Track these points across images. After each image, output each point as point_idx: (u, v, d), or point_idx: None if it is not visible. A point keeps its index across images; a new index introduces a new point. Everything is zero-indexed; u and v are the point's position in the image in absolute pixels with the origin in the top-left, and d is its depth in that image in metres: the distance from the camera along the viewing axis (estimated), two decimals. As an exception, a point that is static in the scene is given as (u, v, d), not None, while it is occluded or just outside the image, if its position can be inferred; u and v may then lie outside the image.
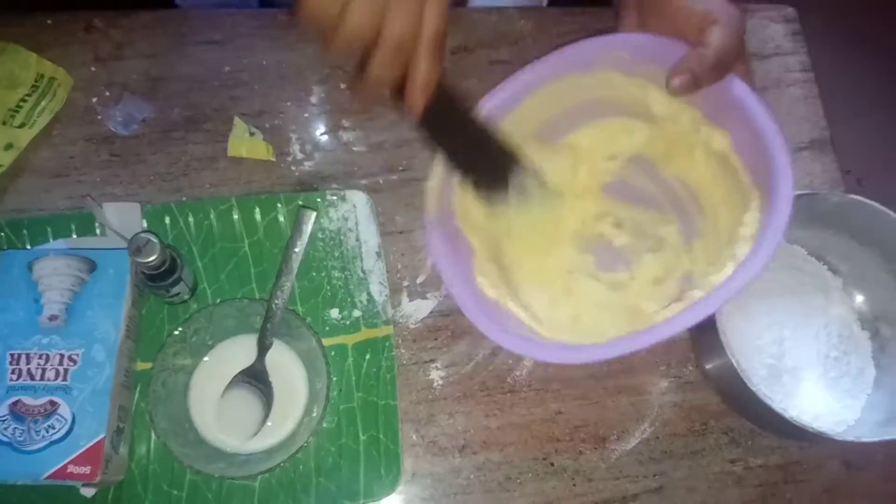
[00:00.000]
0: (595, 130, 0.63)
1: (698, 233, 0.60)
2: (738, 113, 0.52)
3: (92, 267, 0.63)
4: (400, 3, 0.45)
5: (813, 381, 0.66)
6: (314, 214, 0.66)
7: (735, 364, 0.58)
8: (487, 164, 0.56)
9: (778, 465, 0.67)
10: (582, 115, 0.62)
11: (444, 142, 0.54)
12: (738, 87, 0.52)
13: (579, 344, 0.54)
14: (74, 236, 0.68)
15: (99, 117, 0.74)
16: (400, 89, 0.49)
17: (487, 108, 0.58)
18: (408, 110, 0.49)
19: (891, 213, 0.64)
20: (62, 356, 0.61)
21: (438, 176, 0.58)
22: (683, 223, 0.62)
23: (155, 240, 0.59)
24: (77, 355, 0.61)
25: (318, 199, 0.70)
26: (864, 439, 0.58)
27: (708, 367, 0.67)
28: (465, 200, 0.59)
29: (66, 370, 0.60)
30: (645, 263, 0.63)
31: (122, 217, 0.68)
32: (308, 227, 0.66)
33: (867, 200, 0.64)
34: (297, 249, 0.65)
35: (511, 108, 0.59)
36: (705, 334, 0.63)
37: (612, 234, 0.65)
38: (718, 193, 0.58)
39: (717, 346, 0.60)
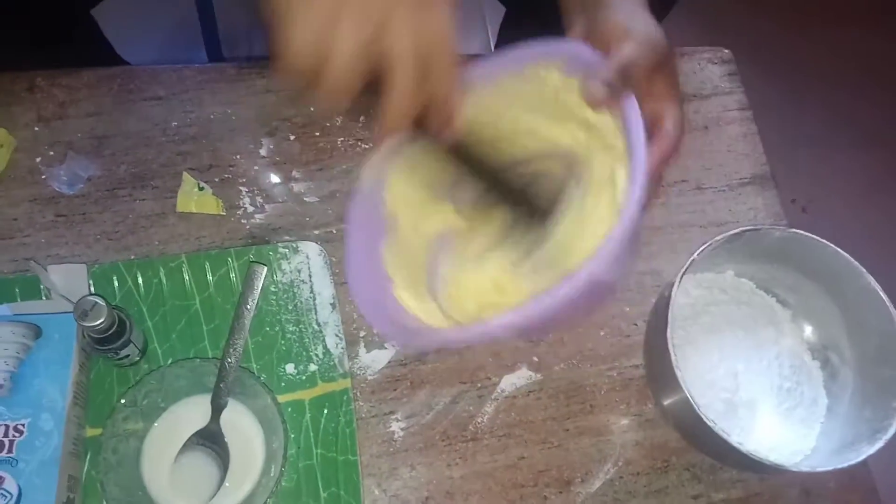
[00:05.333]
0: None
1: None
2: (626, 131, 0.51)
3: (37, 333, 0.62)
4: (398, 20, 0.41)
5: (768, 413, 0.67)
6: (265, 269, 0.66)
7: (691, 400, 0.59)
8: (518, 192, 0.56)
9: (739, 497, 0.68)
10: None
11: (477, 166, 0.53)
12: (629, 105, 0.50)
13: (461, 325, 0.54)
14: (19, 300, 0.66)
15: (43, 177, 0.72)
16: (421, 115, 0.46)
17: None
18: (441, 133, 0.47)
19: (829, 244, 0.66)
20: (7, 427, 0.59)
21: (384, 152, 0.56)
22: None
23: (102, 302, 0.58)
24: (23, 425, 0.59)
25: (270, 253, 0.70)
26: (819, 469, 0.59)
27: (665, 403, 0.67)
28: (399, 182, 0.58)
29: (11, 442, 0.58)
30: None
31: (67, 279, 0.66)
32: (259, 283, 0.65)
33: (807, 234, 0.66)
34: (248, 306, 0.65)
35: None
36: (661, 371, 0.64)
37: None
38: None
39: (672, 383, 0.61)
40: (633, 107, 0.51)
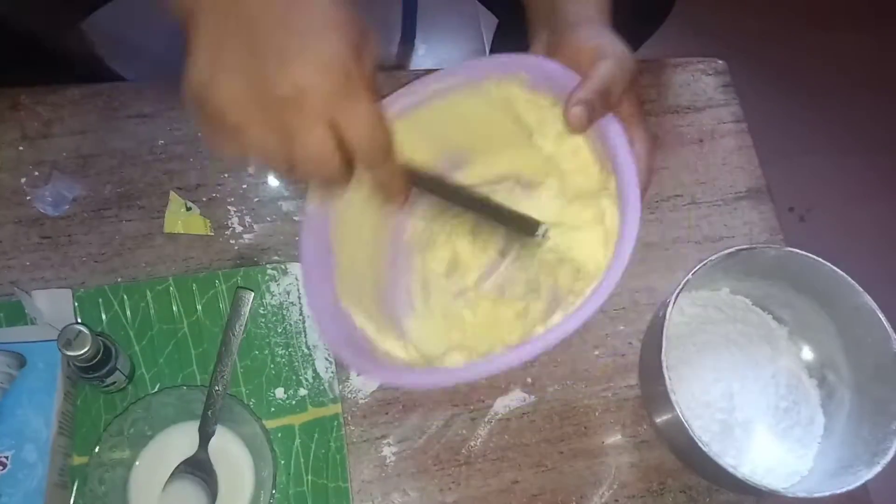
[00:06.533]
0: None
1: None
2: (612, 154, 0.51)
3: (21, 362, 0.61)
4: (301, 131, 0.42)
5: (765, 433, 0.67)
6: (252, 296, 0.65)
7: (684, 422, 0.58)
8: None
9: (736, 519, 0.67)
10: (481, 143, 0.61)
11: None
12: (612, 127, 0.51)
13: (431, 368, 0.54)
14: (3, 326, 0.65)
15: (28, 198, 0.71)
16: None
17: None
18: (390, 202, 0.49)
19: (826, 263, 0.65)
20: (-10, 460, 0.58)
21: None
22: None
23: (86, 331, 0.57)
24: (6, 458, 0.58)
25: (259, 275, 0.69)
26: (815, 494, 0.58)
27: (660, 425, 0.67)
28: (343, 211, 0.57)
29: (-6, 475, 0.57)
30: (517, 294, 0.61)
31: (52, 305, 0.65)
32: (246, 310, 0.64)
33: (803, 252, 0.65)
34: (235, 333, 0.64)
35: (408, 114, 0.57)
36: (655, 392, 0.63)
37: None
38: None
39: (666, 405, 0.60)
40: (617, 130, 0.51)
